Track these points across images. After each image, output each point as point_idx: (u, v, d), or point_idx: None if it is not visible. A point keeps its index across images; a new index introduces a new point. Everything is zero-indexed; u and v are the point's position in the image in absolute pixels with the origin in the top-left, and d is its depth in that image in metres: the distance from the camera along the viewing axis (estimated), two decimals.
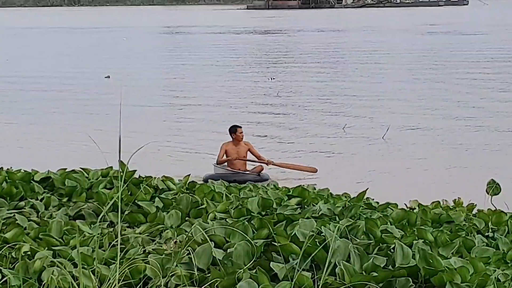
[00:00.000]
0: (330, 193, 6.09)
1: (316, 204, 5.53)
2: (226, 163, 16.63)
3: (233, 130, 16.71)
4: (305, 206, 5.54)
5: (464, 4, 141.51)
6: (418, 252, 4.05)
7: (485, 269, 4.09)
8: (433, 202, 6.22)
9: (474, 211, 6.21)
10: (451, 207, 6.32)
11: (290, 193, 5.82)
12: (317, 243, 4.17)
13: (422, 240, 4.53)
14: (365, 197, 6.03)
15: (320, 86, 33.17)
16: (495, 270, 4.14)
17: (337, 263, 3.98)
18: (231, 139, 16.71)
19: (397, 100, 28.41)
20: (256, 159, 16.71)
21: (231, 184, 6.29)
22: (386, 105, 27.20)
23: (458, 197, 6.72)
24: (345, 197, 6.10)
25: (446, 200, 6.56)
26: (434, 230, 4.96)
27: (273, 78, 36.22)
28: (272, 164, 16.51)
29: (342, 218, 5.04)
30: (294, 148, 20.02)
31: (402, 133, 21.56)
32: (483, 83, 32.52)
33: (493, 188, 6.99)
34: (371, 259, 4.01)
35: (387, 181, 16.27)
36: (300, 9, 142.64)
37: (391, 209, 5.68)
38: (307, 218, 4.85)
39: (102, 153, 5.23)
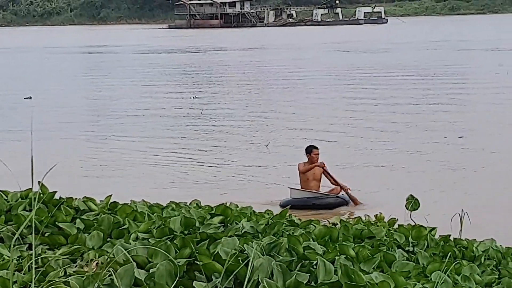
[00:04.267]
0: (253, 210, 6.09)
1: (239, 222, 5.53)
2: (300, 185, 16.14)
3: (309, 150, 16.27)
4: (228, 224, 5.53)
5: (383, 23, 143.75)
6: (340, 267, 4.07)
7: (405, 283, 4.14)
8: (355, 218, 6.28)
9: (395, 226, 6.29)
10: (373, 222, 6.38)
11: (213, 211, 5.80)
12: (240, 261, 4.17)
13: (344, 256, 4.56)
14: (287, 214, 6.05)
15: (243, 105, 33.29)
16: (415, 284, 4.20)
17: (260, 280, 3.97)
18: (306, 159, 16.27)
19: (319, 117, 28.67)
20: (331, 182, 16.15)
21: (153, 204, 6.23)
22: (308, 122, 27.43)
23: (380, 212, 6.80)
24: (268, 214, 6.11)
25: (368, 216, 6.63)
26: (355, 245, 5.01)
27: (196, 97, 36.21)
28: (348, 192, 15.95)
29: (265, 236, 5.05)
30: (219, 169, 20.00)
31: (326, 149, 21.74)
32: (392, 98, 33.09)
33: (412, 203, 7.09)
34: (294, 276, 4.02)
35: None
36: (222, 28, 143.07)
37: (314, 225, 5.71)
38: (230, 236, 4.84)
39: (14, 176, 5.14)
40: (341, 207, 15.46)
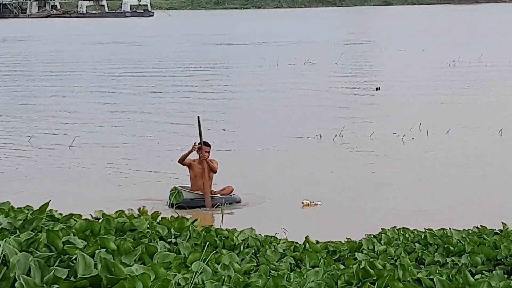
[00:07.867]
0: (12, 206, 5.92)
1: None
2: (190, 185, 14.78)
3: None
4: None
5: (149, 16, 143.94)
6: (100, 261, 4.04)
7: (166, 274, 4.17)
8: (117, 212, 6.26)
9: (159, 219, 6.33)
10: (136, 216, 6.38)
11: None
12: None
13: (105, 249, 4.54)
14: (48, 209, 5.93)
15: (3, 98, 32.35)
16: (176, 275, 4.24)
17: (17, 277, 3.87)
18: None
19: (82, 109, 28.35)
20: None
21: None
22: (72, 115, 27.07)
23: (143, 206, 6.82)
24: (28, 210, 5.96)
25: (131, 209, 6.63)
26: (117, 238, 4.99)
27: None
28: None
29: (23, 232, 4.92)
30: None
31: (89, 141, 21.56)
32: (149, 91, 33.35)
33: (175, 195, 7.18)
34: (52, 271, 3.95)
35: (79, 191, 16.08)
36: None
37: (75, 220, 5.63)
38: None
39: None
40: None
